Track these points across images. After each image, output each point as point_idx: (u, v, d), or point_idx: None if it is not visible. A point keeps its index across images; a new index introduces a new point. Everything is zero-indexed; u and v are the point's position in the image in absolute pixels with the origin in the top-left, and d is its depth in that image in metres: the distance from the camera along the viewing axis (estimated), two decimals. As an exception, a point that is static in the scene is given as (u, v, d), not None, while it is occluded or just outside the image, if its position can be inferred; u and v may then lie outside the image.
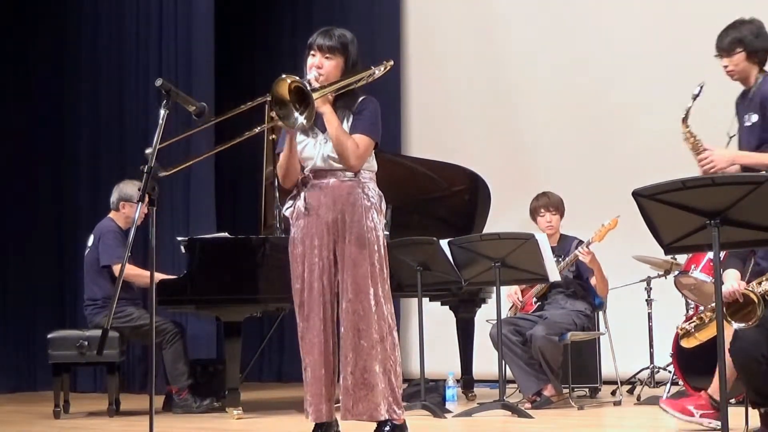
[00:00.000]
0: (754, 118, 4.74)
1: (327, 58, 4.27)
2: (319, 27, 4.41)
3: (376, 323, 4.26)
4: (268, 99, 5.51)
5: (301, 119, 4.04)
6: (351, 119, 4.31)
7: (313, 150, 4.32)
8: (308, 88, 4.05)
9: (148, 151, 4.00)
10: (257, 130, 4.63)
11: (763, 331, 4.15)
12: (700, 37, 8.19)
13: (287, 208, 4.43)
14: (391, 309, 4.36)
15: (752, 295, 4.22)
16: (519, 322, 6.56)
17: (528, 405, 6.20)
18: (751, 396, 4.31)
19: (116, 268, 6.59)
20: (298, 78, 4.07)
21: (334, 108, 4.25)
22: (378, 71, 4.38)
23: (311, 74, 4.23)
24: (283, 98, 4.04)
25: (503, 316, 6.32)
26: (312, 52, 4.30)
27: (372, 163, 4.40)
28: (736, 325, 4.16)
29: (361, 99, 4.36)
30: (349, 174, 4.31)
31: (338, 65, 4.29)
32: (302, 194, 4.36)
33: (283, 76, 4.04)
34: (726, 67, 4.84)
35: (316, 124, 4.27)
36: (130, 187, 6.82)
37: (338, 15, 9.32)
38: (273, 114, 6.38)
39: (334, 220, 4.30)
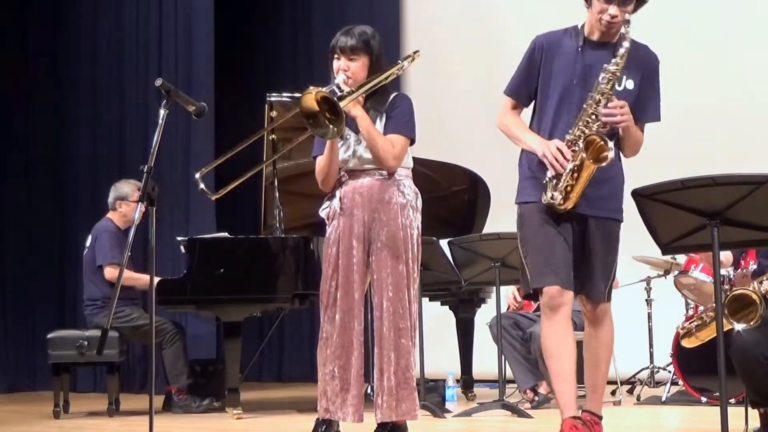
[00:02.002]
0: (630, 84, 4.10)
1: (352, 59, 4.25)
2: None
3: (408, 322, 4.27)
4: (272, 115, 5.51)
5: (332, 130, 4.02)
6: (384, 119, 4.29)
7: (348, 152, 4.31)
8: (335, 97, 4.03)
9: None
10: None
11: (765, 331, 4.14)
12: (699, 33, 8.25)
13: (323, 209, 4.41)
14: (417, 309, 4.37)
15: (754, 295, 4.22)
16: (518, 318, 6.56)
17: (528, 405, 6.19)
18: (751, 396, 4.30)
19: (107, 270, 6.59)
20: (322, 89, 4.04)
21: (365, 109, 4.23)
22: (407, 63, 4.39)
23: (339, 78, 4.22)
24: (311, 111, 4.01)
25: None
26: (336, 56, 4.28)
27: (408, 160, 4.38)
28: (738, 326, 4.15)
29: (392, 97, 4.34)
30: (384, 172, 4.29)
31: (364, 64, 4.27)
32: (338, 194, 4.34)
33: (310, 88, 4.02)
34: (615, 17, 4.05)
35: (349, 126, 4.24)
36: (125, 186, 6.83)
37: (338, 15, 9.30)
38: (273, 114, 6.44)
39: (369, 219, 4.28)
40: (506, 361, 6.38)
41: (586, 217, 4.10)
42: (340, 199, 4.33)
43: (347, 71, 4.24)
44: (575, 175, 4.00)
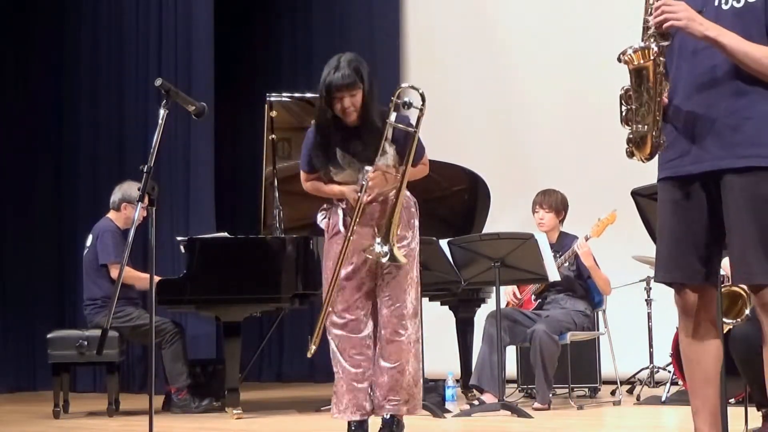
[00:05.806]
0: None
1: (352, 95, 4.35)
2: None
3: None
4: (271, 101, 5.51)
5: (385, 259, 4.31)
6: (393, 144, 4.40)
7: (351, 177, 4.42)
8: (387, 255, 4.28)
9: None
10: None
11: (756, 323, 4.12)
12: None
13: (321, 220, 4.55)
14: (420, 312, 4.59)
15: (740, 291, 4.24)
16: (517, 315, 6.54)
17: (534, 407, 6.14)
18: (756, 395, 4.28)
19: (113, 268, 6.59)
20: (377, 244, 4.29)
21: (365, 143, 4.35)
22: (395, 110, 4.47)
23: (350, 118, 4.35)
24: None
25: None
26: (337, 95, 4.34)
27: None
28: (727, 322, 4.16)
29: (391, 123, 4.38)
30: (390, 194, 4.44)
31: (360, 93, 4.37)
32: (339, 211, 4.47)
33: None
34: None
35: (359, 157, 4.38)
36: (134, 189, 6.81)
37: (338, 17, 9.30)
38: (273, 114, 6.46)
39: (374, 233, 4.40)
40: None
41: (715, 174, 3.16)
42: (343, 216, 4.46)
43: (349, 108, 4.35)
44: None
